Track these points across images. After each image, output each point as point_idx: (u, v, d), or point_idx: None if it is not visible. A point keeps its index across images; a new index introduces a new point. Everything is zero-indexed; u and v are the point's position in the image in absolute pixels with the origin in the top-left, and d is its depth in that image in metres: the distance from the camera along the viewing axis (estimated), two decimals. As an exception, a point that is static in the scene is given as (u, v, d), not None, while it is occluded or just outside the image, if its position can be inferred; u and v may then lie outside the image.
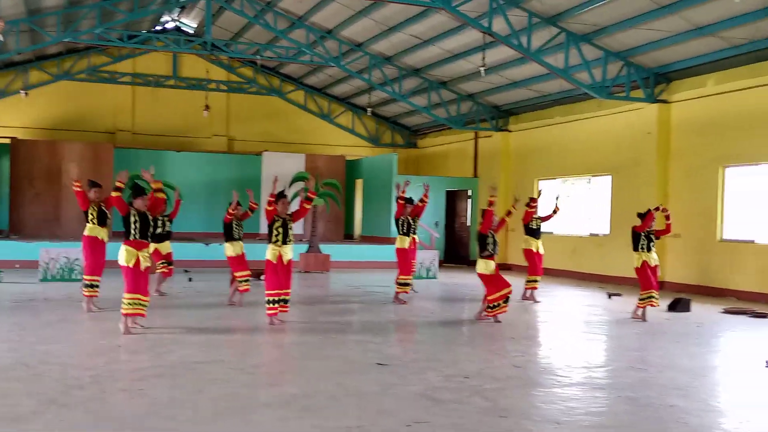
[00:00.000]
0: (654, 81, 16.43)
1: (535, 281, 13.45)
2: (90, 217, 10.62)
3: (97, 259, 10.64)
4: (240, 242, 11.82)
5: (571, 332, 10.36)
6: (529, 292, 13.48)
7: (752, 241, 14.58)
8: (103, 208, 10.76)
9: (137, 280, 8.66)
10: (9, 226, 20.87)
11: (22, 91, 22.16)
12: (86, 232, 10.65)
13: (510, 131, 22.22)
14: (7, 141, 21.78)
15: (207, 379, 6.65)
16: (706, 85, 15.47)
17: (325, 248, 19.45)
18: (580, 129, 19.15)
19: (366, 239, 24.36)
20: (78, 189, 10.63)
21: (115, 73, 24.54)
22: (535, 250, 13.59)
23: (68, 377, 6.57)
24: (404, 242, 12.69)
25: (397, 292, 12.59)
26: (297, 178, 19.36)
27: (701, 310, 12.61)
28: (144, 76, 24.72)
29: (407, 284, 12.61)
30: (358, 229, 26.09)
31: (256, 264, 13.00)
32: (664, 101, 16.45)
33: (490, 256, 10.50)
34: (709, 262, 15.46)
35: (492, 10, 14.89)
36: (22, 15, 17.92)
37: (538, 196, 14.76)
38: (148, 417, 5.41)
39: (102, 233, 10.76)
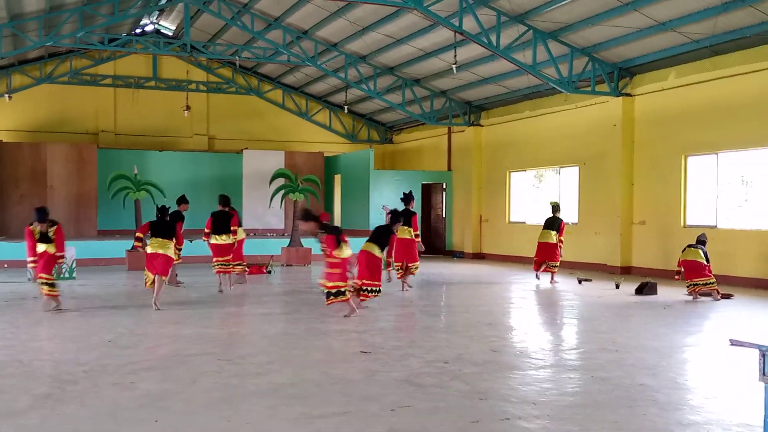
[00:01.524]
0: (618, 75, 17.12)
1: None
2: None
3: None
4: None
5: (544, 317, 10.80)
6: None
7: (714, 227, 15.17)
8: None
9: None
10: (-5, 227, 21.18)
11: (6, 95, 22.39)
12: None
13: (482, 126, 22.90)
14: (-8, 144, 22.13)
15: (198, 371, 6.79)
16: (668, 78, 16.17)
17: (306, 242, 19.95)
18: (549, 122, 19.85)
19: (345, 232, 24.89)
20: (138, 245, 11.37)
21: (96, 75, 24.82)
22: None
23: (62, 372, 6.71)
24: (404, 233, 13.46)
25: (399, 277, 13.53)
26: (277, 175, 19.90)
27: (667, 293, 13.03)
28: (125, 78, 25.04)
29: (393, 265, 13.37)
30: (337, 222, 26.60)
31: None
32: (628, 94, 17.15)
33: None
34: (674, 247, 16.00)
35: (462, 10, 15.40)
36: (4, 20, 18.16)
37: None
38: (141, 409, 5.54)
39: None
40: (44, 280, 10.46)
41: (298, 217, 10.14)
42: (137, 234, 11.61)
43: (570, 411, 5.63)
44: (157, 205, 12.07)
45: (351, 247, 10.18)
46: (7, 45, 20.15)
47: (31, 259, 10.40)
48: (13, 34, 19.44)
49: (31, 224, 10.32)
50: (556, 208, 15.33)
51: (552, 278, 14.98)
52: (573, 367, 7.23)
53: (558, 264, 15.07)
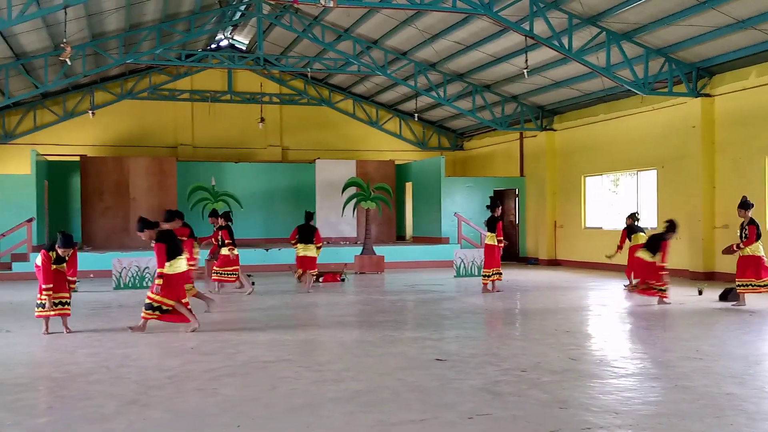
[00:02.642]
0: (696, 75, 16.64)
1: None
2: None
3: None
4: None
5: (624, 324, 10.51)
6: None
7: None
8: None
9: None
10: (81, 238, 21.87)
11: (89, 111, 23.36)
12: None
13: (555, 130, 22.59)
14: (77, 159, 23.02)
15: (277, 377, 6.89)
16: (749, 77, 15.63)
17: (379, 250, 20.07)
18: (625, 125, 19.43)
19: (417, 240, 24.96)
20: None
21: (174, 90, 25.64)
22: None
23: (147, 378, 6.87)
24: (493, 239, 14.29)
25: (485, 283, 14.28)
26: (349, 184, 20.10)
27: (753, 299, 12.44)
28: (201, 92, 25.77)
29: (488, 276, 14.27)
30: (409, 230, 26.69)
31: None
32: (707, 95, 16.64)
33: None
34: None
35: (533, 13, 15.29)
36: (87, 39, 19.01)
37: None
38: (224, 414, 5.64)
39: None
40: (60, 299, 9.74)
41: (137, 228, 9.79)
42: (291, 240, 15.09)
43: (653, 420, 5.48)
44: (307, 212, 14.91)
45: (190, 262, 10.06)
46: (90, 63, 21.06)
47: (47, 286, 9.56)
48: (95, 53, 20.29)
49: (50, 249, 9.67)
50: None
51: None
52: (655, 376, 7.00)
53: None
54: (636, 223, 15.13)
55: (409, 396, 6.19)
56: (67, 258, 9.77)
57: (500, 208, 14.46)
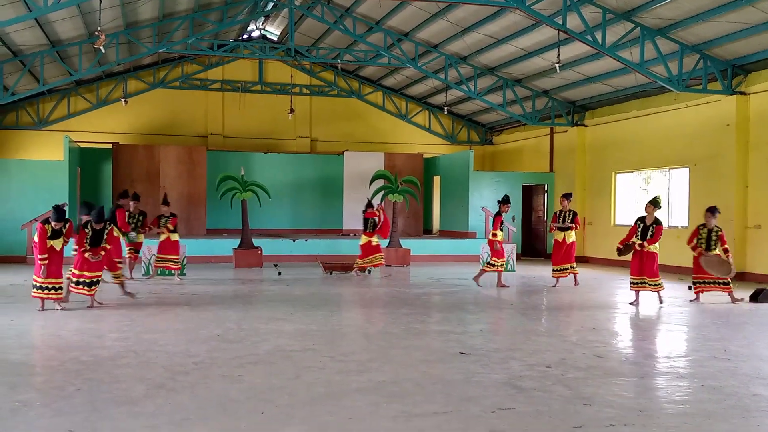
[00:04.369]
0: (731, 73, 16.38)
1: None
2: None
3: None
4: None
5: (651, 323, 10.43)
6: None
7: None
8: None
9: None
10: (112, 226, 22.26)
11: (122, 99, 23.64)
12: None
13: (586, 126, 22.39)
14: (110, 146, 23.35)
15: (301, 366, 6.97)
16: (786, 75, 15.42)
17: (406, 243, 20.07)
18: (657, 122, 19.19)
19: (444, 234, 24.92)
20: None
21: (206, 80, 25.81)
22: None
23: (174, 364, 7.00)
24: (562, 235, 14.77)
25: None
26: (377, 176, 20.12)
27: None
28: (232, 83, 25.93)
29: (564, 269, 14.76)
30: (436, 224, 26.67)
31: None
32: (743, 93, 16.39)
33: None
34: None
35: (566, 7, 15.16)
36: (121, 28, 19.22)
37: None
38: (248, 401, 5.73)
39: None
40: (53, 284, 10.50)
41: (82, 212, 11.21)
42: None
43: (678, 419, 5.44)
44: (369, 199, 16.46)
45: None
46: (123, 52, 21.30)
47: (43, 257, 10.30)
48: (128, 41, 20.50)
49: (45, 222, 10.38)
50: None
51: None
52: (682, 375, 6.94)
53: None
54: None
55: (432, 388, 6.22)
56: (64, 231, 10.56)
57: (507, 205, 14.33)
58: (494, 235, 14.31)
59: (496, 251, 14.20)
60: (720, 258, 12.20)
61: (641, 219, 12.26)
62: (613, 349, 8.35)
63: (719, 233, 12.25)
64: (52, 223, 10.36)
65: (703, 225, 12.38)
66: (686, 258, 17.68)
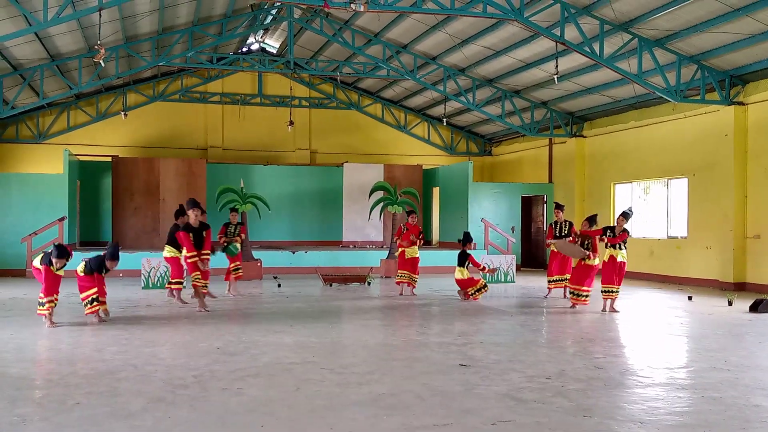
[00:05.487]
0: (729, 83, 16.43)
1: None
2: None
3: None
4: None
5: (651, 334, 10.39)
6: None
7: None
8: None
9: None
10: (112, 238, 22.13)
11: (121, 113, 23.68)
12: None
13: (584, 137, 22.44)
14: (109, 159, 23.35)
15: (301, 378, 6.96)
16: (783, 85, 15.45)
17: (405, 254, 20.04)
18: (656, 133, 19.24)
19: (444, 245, 24.91)
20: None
21: (205, 93, 25.90)
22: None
23: (173, 377, 6.97)
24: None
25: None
26: (376, 188, 20.14)
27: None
28: (232, 95, 26.00)
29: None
30: (436, 235, 26.65)
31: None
32: (741, 103, 16.43)
33: None
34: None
35: (564, 19, 15.24)
36: (121, 42, 19.28)
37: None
38: (248, 414, 5.72)
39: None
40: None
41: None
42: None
43: (679, 430, 5.43)
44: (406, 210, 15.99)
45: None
46: (123, 65, 21.38)
47: (50, 299, 10.20)
48: (128, 55, 20.56)
49: (49, 262, 10.10)
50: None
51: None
52: (682, 386, 6.92)
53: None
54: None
55: (432, 400, 6.21)
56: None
57: (471, 243, 14.40)
58: (483, 269, 14.68)
59: (464, 282, 14.09)
60: (568, 242, 13.33)
61: (611, 228, 12.50)
62: (613, 360, 8.32)
63: (571, 227, 13.93)
64: (54, 261, 10.08)
65: (556, 222, 14.07)
66: (685, 269, 17.75)
